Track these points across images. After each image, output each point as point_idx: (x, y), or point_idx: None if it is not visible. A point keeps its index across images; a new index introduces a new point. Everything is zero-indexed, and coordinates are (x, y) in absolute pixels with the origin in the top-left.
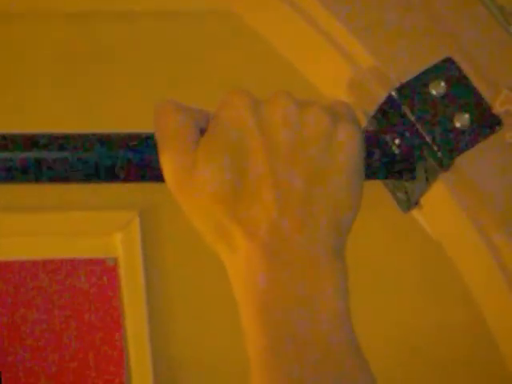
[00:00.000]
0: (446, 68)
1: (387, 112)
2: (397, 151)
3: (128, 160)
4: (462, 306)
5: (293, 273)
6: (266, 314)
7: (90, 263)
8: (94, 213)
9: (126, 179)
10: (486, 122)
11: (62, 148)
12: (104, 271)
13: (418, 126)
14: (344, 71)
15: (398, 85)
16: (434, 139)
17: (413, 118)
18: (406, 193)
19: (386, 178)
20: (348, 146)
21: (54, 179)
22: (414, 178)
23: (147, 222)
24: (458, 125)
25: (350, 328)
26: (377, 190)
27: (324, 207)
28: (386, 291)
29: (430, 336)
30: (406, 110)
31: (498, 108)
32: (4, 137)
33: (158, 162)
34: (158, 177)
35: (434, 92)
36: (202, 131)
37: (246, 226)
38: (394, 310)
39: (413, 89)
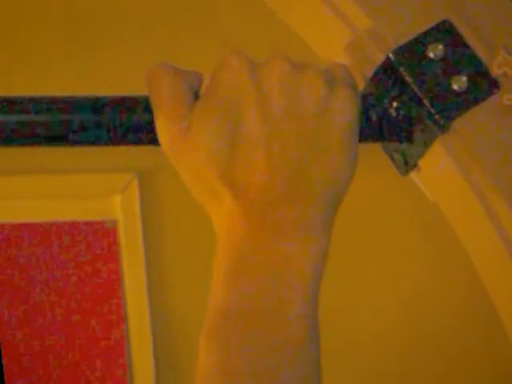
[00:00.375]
0: (443, 30)
1: (385, 75)
2: (394, 114)
3: (124, 123)
4: (460, 267)
5: (270, 236)
6: (233, 275)
7: (89, 226)
8: (92, 175)
9: (123, 142)
10: (484, 85)
11: (58, 110)
12: (103, 234)
13: (416, 88)
14: (342, 33)
15: (395, 47)
16: (431, 101)
17: (410, 81)
18: (404, 156)
19: (384, 140)
20: (344, 111)
21: (50, 142)
22: (411, 141)
23: (146, 184)
24: (455, 87)
25: (312, 301)
26: (375, 153)
27: (317, 172)
28: (385, 254)
29: (428, 298)
30: (403, 72)
31: (495, 70)
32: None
33: (153, 124)
34: (155, 140)
35: (431, 54)
36: (196, 94)
37: (235, 187)
38: (392, 272)
39: (410, 51)
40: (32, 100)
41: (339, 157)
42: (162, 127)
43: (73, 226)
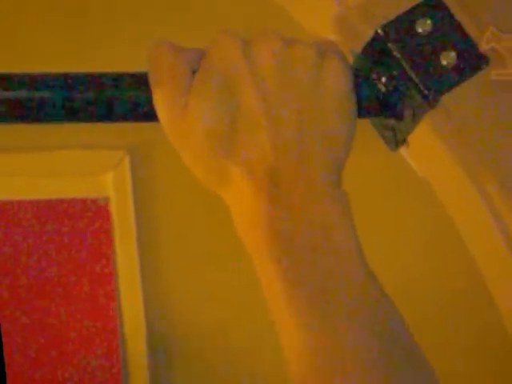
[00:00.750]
0: (432, 6)
1: (373, 50)
2: (383, 89)
3: (121, 99)
4: (452, 248)
5: (294, 207)
6: (276, 247)
7: (80, 203)
8: (84, 152)
9: (120, 118)
10: (473, 60)
11: (55, 87)
12: (95, 211)
13: (405, 63)
14: (329, 9)
15: (384, 22)
16: (420, 77)
17: (399, 56)
18: (394, 131)
19: (373, 116)
20: (337, 79)
21: (46, 119)
22: (400, 116)
23: (138, 161)
24: (444, 62)
25: (359, 249)
26: (366, 130)
27: (318, 143)
28: (381, 234)
29: (423, 280)
30: (392, 47)
31: (484, 45)
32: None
33: (150, 101)
34: (152, 116)
35: (420, 30)
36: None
37: (243, 166)
38: (388, 253)
39: (399, 26)
40: (28, 76)
41: (338, 123)
42: (161, 104)
43: (64, 203)
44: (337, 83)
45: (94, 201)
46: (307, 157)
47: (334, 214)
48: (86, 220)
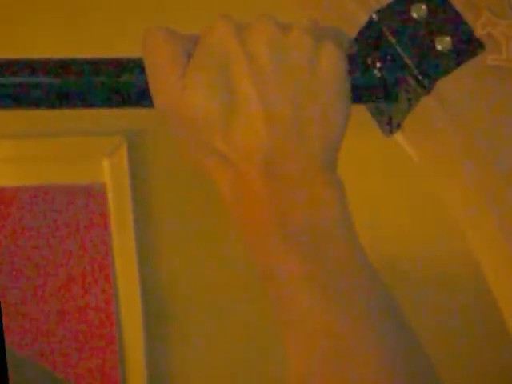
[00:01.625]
0: None
1: (368, 35)
2: (378, 74)
3: (116, 85)
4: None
5: (291, 191)
6: (280, 232)
7: (78, 189)
8: (81, 138)
9: (115, 104)
10: (468, 45)
11: (52, 72)
12: (92, 196)
13: (400, 49)
14: None
15: (378, 7)
16: (415, 62)
17: (394, 41)
18: (389, 116)
19: (368, 101)
20: (332, 64)
21: (42, 105)
22: (395, 102)
23: (134, 147)
24: (439, 48)
25: (354, 235)
26: (364, 117)
27: (314, 127)
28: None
29: (416, 263)
30: (387, 32)
31: (479, 31)
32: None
33: (146, 87)
34: (147, 102)
35: (415, 15)
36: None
37: (239, 150)
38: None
39: (394, 12)
40: (24, 62)
41: (332, 107)
42: (156, 89)
43: (62, 188)
44: (332, 68)
45: (90, 186)
46: (303, 140)
47: (329, 199)
48: (82, 205)
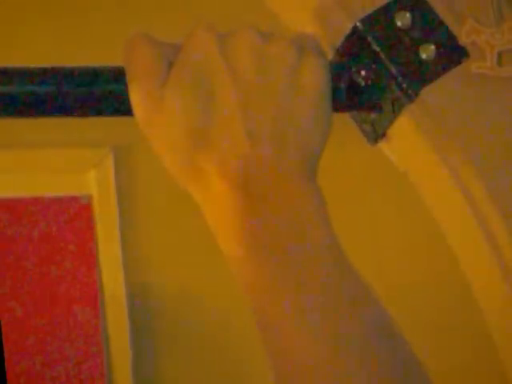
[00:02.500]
0: None
1: (353, 44)
2: (363, 83)
3: (99, 94)
4: (430, 237)
5: (268, 203)
6: (249, 244)
7: (64, 201)
8: (68, 150)
9: (97, 113)
10: (452, 53)
11: (31, 81)
12: (78, 208)
13: (384, 57)
14: (308, 2)
15: (363, 16)
16: (399, 70)
17: (378, 50)
18: (373, 125)
19: (352, 110)
20: (314, 78)
21: (25, 114)
22: (380, 110)
23: (121, 159)
24: (423, 56)
25: (335, 243)
26: (349, 126)
27: (293, 139)
28: (356, 229)
29: (400, 265)
30: (371, 41)
31: (463, 39)
32: None
33: (127, 96)
34: (129, 111)
35: (399, 23)
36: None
37: (216, 162)
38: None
39: (378, 20)
40: (3, 71)
41: (312, 121)
42: (137, 98)
43: (48, 200)
44: (313, 81)
45: (76, 198)
46: (282, 152)
47: (309, 209)
48: (68, 217)
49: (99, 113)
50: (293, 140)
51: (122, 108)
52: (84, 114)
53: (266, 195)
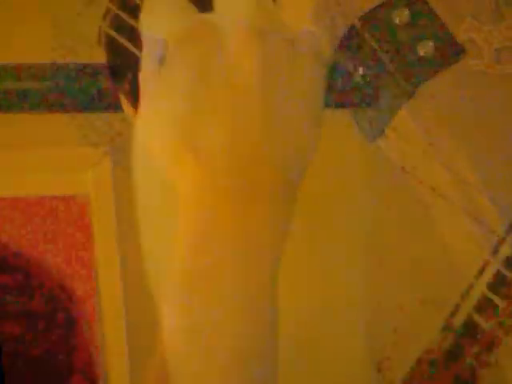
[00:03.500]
0: None
1: (350, 41)
2: (361, 81)
3: (89, 89)
4: (427, 232)
5: (237, 206)
6: (197, 247)
7: (60, 200)
8: (64, 149)
9: (91, 108)
10: (450, 51)
11: (25, 78)
12: (75, 208)
13: (382, 54)
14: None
15: (361, 13)
16: (397, 68)
17: (376, 47)
18: (371, 122)
19: (350, 107)
20: (307, 79)
21: (13, 109)
22: (378, 107)
23: (118, 159)
24: (421, 53)
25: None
26: (347, 123)
27: (280, 140)
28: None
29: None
30: (369, 38)
31: (461, 36)
32: None
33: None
34: (119, 105)
35: (397, 20)
36: (161, 60)
37: (199, 153)
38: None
39: (376, 17)
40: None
41: (302, 124)
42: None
43: (44, 200)
44: (307, 85)
45: (73, 198)
46: (264, 158)
47: (270, 223)
48: (64, 218)
49: (91, 109)
50: (280, 147)
51: (114, 103)
52: (79, 110)
53: (237, 197)
